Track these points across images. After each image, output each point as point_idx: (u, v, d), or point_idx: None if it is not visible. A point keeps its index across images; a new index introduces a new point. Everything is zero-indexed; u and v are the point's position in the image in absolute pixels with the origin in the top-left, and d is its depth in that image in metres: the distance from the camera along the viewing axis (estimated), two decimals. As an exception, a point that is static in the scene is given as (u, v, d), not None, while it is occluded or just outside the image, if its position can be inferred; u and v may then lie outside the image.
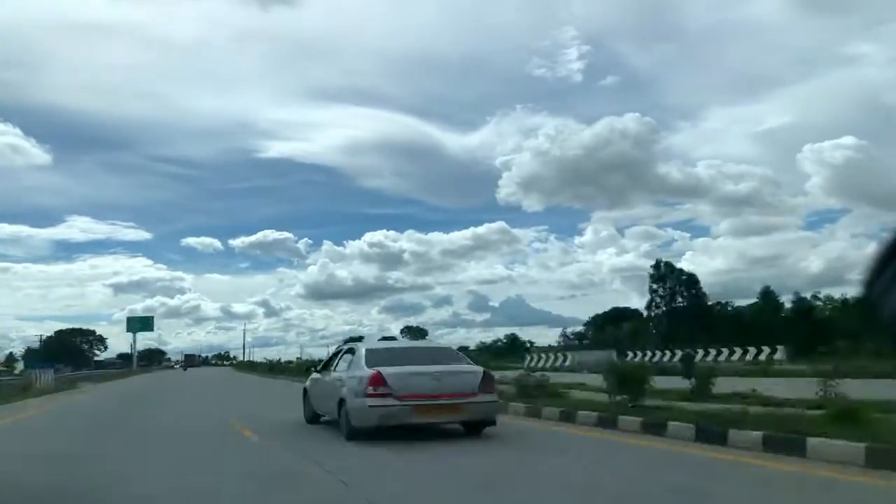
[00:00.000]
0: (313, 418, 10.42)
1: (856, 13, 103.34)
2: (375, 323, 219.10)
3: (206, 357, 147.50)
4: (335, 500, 5.28)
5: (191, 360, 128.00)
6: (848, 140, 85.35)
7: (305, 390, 11.10)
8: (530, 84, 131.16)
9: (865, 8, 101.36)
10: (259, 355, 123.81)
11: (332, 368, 9.85)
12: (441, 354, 9.44)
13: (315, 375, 10.82)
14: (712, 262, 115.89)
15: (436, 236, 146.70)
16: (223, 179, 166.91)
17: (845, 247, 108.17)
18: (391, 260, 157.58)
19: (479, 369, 8.71)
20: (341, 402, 8.47)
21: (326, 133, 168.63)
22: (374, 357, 8.66)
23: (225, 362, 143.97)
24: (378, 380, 7.95)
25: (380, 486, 5.66)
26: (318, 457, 7.15)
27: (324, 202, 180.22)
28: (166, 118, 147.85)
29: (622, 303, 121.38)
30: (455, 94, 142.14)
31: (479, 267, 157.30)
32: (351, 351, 9.58)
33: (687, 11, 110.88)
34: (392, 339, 22.97)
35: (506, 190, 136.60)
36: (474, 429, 8.49)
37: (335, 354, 10.66)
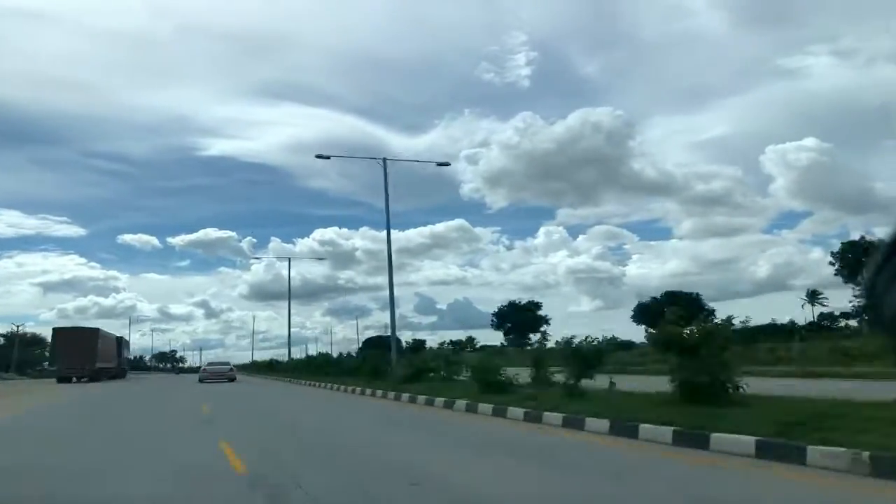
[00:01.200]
0: None
1: (794, 28, 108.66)
2: (319, 325, 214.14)
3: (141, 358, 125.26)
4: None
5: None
6: (800, 144, 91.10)
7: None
8: (479, 88, 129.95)
9: (803, 23, 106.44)
10: (193, 359, 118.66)
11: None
12: (224, 364, 46.07)
13: None
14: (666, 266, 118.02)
15: (392, 234, 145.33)
16: (162, 177, 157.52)
17: (792, 251, 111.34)
18: (343, 259, 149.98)
19: (231, 365, 46.65)
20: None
21: (270, 132, 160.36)
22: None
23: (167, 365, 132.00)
24: (204, 372, 43.24)
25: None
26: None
27: (266, 203, 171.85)
28: (103, 112, 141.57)
29: (573, 307, 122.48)
30: (403, 95, 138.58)
31: (434, 266, 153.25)
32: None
33: (635, 22, 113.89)
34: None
35: (469, 186, 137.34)
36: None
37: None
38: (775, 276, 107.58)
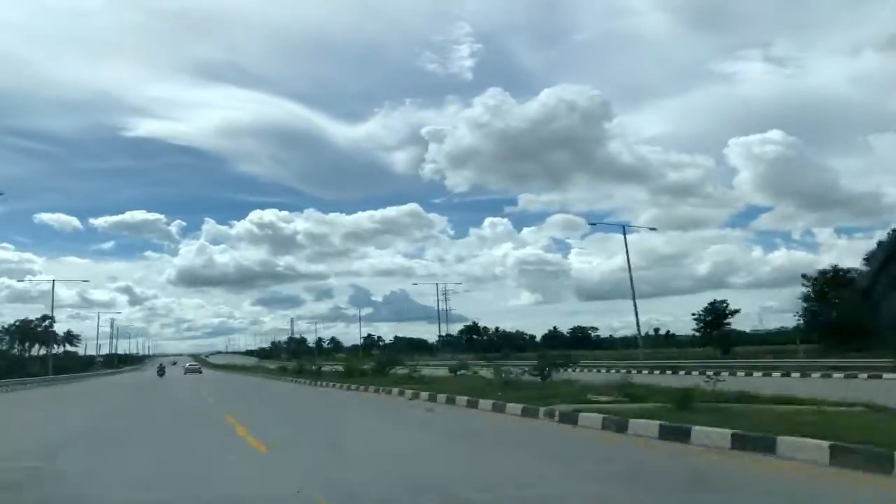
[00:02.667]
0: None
1: (731, 33, 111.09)
2: (248, 316, 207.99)
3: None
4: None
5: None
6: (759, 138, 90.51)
7: None
8: (421, 78, 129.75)
9: (740, 29, 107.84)
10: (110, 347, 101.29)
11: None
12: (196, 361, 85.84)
13: None
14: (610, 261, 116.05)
15: (337, 217, 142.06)
16: (84, 157, 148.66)
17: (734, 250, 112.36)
18: (283, 243, 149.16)
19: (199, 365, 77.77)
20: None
21: (202, 114, 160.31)
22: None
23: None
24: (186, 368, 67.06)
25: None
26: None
27: (195, 187, 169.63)
28: (23, 86, 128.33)
29: (512, 299, 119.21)
30: (344, 81, 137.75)
31: (381, 254, 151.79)
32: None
33: (578, 18, 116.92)
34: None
35: (429, 166, 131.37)
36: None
37: None
38: (715, 273, 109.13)
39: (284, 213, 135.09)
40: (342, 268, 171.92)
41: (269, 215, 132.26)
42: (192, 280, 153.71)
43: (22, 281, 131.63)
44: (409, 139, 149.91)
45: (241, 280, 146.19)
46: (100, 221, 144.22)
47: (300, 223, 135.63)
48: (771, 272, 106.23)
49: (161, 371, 51.65)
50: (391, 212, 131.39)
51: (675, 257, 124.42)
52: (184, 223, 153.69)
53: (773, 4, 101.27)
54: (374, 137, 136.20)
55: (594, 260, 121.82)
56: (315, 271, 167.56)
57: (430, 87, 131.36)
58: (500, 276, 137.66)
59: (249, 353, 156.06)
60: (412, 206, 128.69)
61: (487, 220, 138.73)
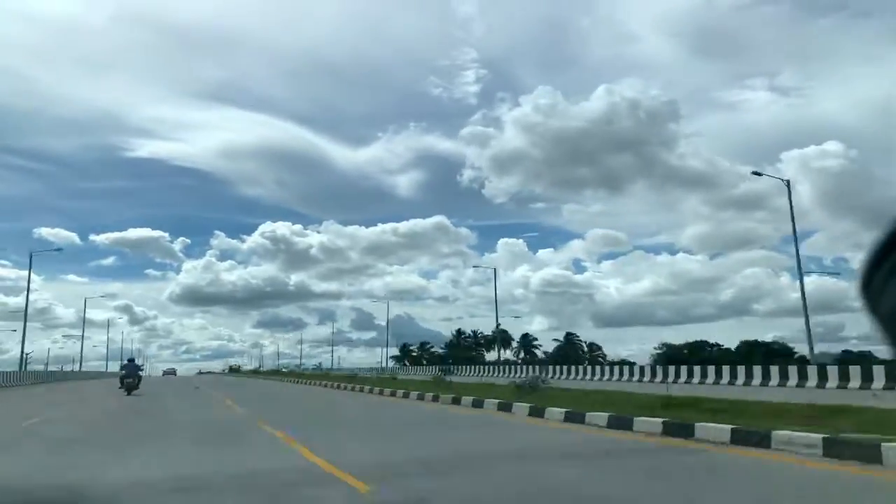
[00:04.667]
0: None
1: (736, 61, 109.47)
2: (249, 338, 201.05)
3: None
4: None
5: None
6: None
7: None
8: (426, 103, 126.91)
9: (745, 57, 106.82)
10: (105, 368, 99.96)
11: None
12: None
13: None
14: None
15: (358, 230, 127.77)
16: (84, 177, 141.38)
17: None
18: (298, 258, 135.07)
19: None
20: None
21: (204, 135, 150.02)
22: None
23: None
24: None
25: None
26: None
27: (195, 209, 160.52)
28: (22, 104, 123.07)
29: (525, 327, 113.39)
30: (348, 104, 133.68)
31: (400, 271, 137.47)
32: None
33: (584, 45, 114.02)
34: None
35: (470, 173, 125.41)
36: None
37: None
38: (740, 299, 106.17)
39: (297, 227, 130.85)
40: (348, 289, 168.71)
41: (283, 228, 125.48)
42: (193, 300, 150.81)
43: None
44: (412, 163, 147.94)
45: (241, 301, 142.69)
46: (100, 238, 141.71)
47: (309, 239, 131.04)
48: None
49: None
50: (415, 224, 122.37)
51: (708, 281, 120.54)
52: (188, 240, 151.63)
53: (778, 34, 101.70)
54: (378, 161, 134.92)
55: (616, 283, 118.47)
56: (321, 291, 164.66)
57: (435, 112, 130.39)
58: (518, 299, 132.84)
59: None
60: (439, 219, 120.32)
61: (502, 241, 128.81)
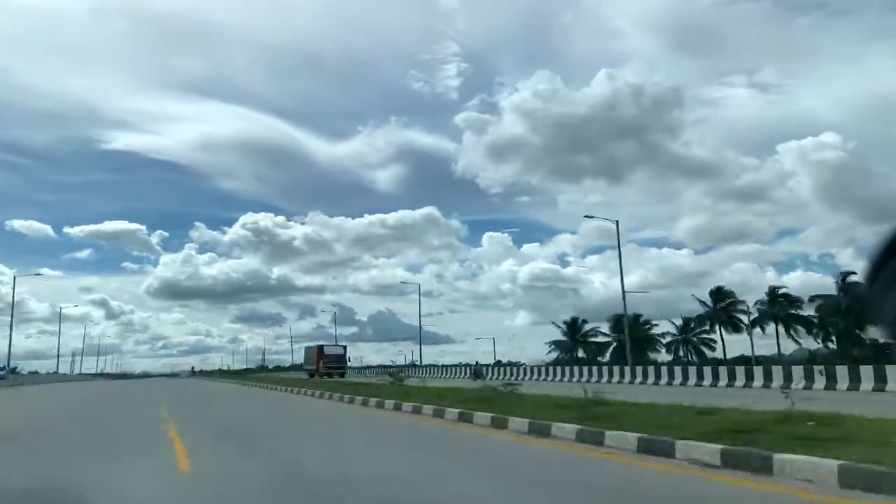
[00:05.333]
0: None
1: (717, 58, 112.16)
2: (227, 333, 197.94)
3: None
4: None
5: None
6: None
7: None
8: (407, 96, 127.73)
9: (726, 54, 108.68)
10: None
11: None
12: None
13: None
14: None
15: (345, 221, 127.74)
16: (58, 169, 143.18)
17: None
18: (281, 251, 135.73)
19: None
20: None
21: (182, 128, 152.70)
22: None
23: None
24: None
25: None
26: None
27: (171, 202, 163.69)
28: None
29: (507, 321, 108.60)
30: (328, 98, 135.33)
31: (387, 264, 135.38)
32: None
33: (566, 40, 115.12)
34: None
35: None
36: None
37: None
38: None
39: (280, 219, 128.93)
40: (332, 283, 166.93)
41: (265, 220, 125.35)
42: (171, 294, 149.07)
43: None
44: (393, 157, 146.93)
45: (221, 294, 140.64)
46: (75, 231, 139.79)
47: (292, 231, 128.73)
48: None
49: None
50: (404, 215, 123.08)
51: (697, 275, 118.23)
52: (166, 234, 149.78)
53: (758, 31, 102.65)
54: (358, 155, 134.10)
55: (604, 277, 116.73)
56: (304, 285, 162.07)
57: (416, 106, 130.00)
58: (504, 294, 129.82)
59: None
60: (429, 210, 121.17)
61: (487, 236, 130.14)
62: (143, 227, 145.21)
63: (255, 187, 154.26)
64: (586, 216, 45.82)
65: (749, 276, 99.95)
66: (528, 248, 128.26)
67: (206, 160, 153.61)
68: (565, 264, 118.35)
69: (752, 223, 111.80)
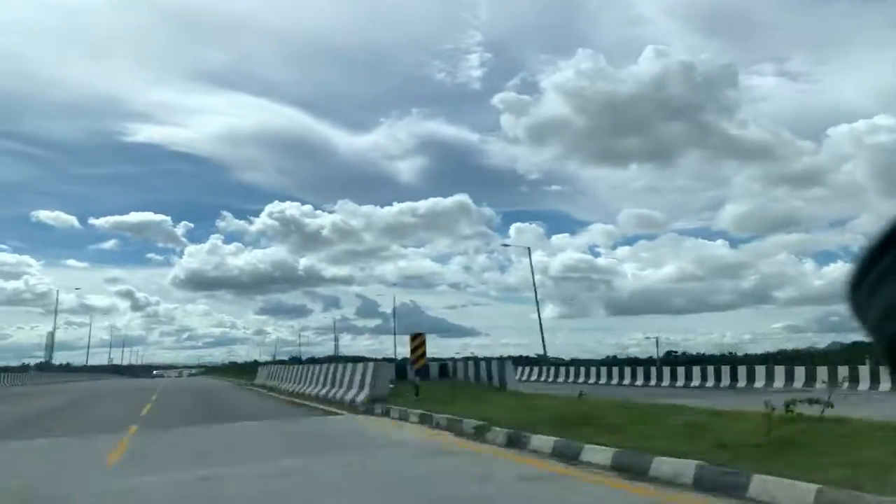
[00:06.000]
0: None
1: (746, 45, 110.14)
2: (252, 325, 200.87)
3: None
4: None
5: None
6: None
7: None
8: (429, 87, 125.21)
9: (755, 41, 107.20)
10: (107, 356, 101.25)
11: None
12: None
13: None
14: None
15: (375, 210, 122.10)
16: (82, 162, 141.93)
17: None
18: (308, 241, 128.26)
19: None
20: None
21: (204, 120, 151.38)
22: None
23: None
24: None
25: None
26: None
27: (195, 194, 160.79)
28: (20, 87, 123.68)
29: (532, 315, 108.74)
30: (350, 89, 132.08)
31: (415, 255, 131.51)
32: None
33: (591, 28, 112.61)
34: None
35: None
36: None
37: None
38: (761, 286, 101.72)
39: (307, 208, 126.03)
40: (360, 273, 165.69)
41: (292, 209, 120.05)
42: (196, 285, 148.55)
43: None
44: (414, 149, 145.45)
45: (246, 285, 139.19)
46: (100, 222, 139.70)
47: (320, 220, 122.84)
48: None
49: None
50: (435, 203, 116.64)
51: (736, 267, 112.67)
52: (191, 224, 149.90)
53: (789, 18, 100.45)
54: (379, 148, 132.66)
55: (641, 268, 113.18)
56: (331, 276, 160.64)
57: (438, 97, 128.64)
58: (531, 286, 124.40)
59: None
60: (460, 198, 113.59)
61: (515, 227, 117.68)
62: (168, 219, 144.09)
63: (278, 179, 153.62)
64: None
65: (787, 267, 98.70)
66: (559, 238, 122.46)
67: (229, 152, 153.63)
68: (597, 254, 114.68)
69: (802, 210, 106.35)
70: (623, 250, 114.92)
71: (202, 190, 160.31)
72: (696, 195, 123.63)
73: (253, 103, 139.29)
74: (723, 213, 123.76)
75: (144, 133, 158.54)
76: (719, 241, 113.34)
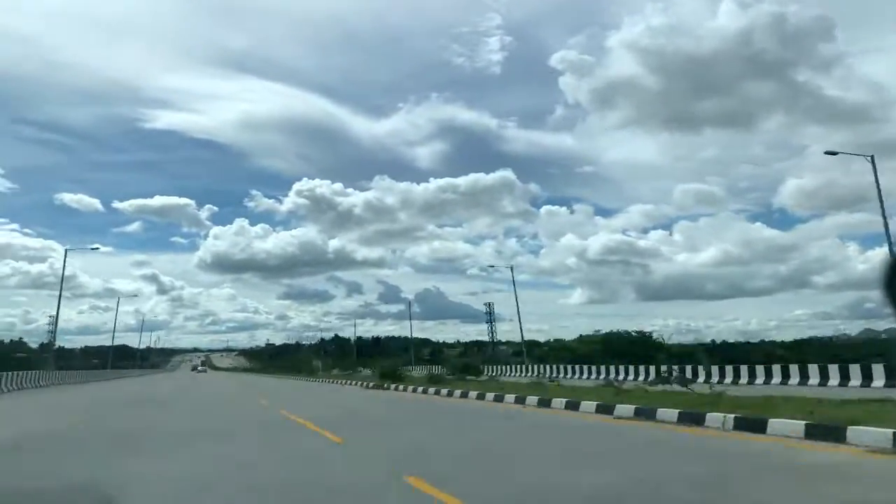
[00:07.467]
0: None
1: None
2: (275, 310, 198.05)
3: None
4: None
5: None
6: None
7: None
8: (448, 71, 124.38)
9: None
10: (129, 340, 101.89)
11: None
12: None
13: None
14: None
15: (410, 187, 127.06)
16: (102, 149, 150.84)
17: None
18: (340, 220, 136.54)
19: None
20: None
21: (223, 106, 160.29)
22: None
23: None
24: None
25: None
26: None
27: (214, 181, 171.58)
28: (37, 72, 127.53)
29: (560, 300, 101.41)
30: (369, 73, 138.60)
31: (449, 235, 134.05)
32: None
33: (615, 8, 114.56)
34: None
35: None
36: None
37: None
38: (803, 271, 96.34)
39: (337, 186, 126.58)
40: (391, 256, 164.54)
41: (322, 187, 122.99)
42: (221, 268, 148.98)
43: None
44: (434, 133, 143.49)
45: (271, 268, 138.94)
46: (124, 205, 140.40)
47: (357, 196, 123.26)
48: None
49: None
50: (476, 179, 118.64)
51: (783, 249, 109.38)
52: (215, 208, 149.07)
53: None
54: (398, 133, 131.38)
55: (681, 250, 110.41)
56: (370, 257, 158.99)
57: (457, 81, 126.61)
58: (570, 269, 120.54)
59: (251, 352, 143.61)
60: (504, 174, 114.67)
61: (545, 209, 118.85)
62: (192, 202, 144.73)
63: (298, 165, 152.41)
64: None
65: (830, 252, 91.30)
66: (595, 221, 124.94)
67: (249, 138, 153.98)
68: (640, 235, 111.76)
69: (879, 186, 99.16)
70: (657, 234, 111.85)
71: (224, 177, 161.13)
72: (766, 167, 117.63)
73: (270, 88, 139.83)
74: (785, 187, 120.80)
75: (164, 119, 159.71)
76: (772, 219, 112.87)
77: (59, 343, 70.43)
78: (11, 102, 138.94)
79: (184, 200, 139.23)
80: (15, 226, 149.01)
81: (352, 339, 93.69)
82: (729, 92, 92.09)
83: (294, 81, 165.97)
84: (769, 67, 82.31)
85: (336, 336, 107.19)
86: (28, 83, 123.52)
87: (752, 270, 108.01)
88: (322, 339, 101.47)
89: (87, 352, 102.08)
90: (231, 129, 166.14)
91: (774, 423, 8.19)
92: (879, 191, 24.03)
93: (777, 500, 4.65)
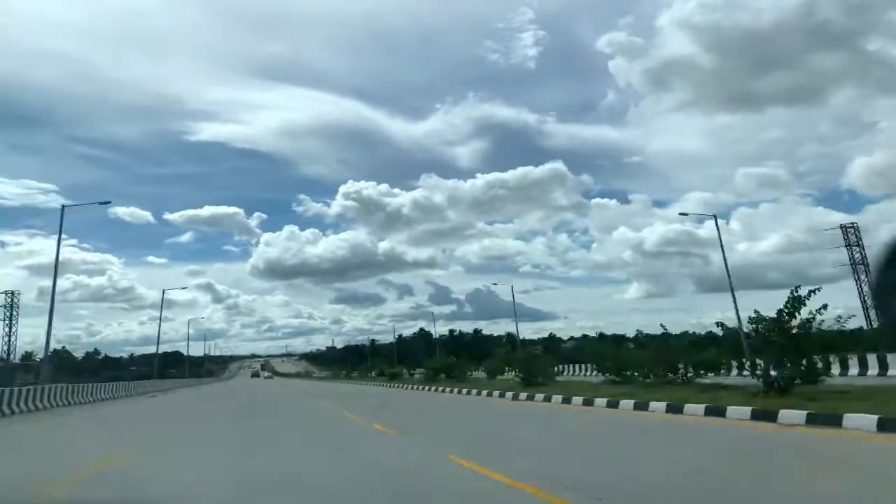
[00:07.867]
0: None
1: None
2: (329, 314, 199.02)
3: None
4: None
5: None
6: None
7: None
8: (483, 69, 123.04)
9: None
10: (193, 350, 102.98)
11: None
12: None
13: None
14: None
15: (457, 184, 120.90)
16: (149, 164, 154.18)
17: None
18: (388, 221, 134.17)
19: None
20: None
21: (264, 115, 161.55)
22: None
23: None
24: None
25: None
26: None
27: (261, 191, 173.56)
28: (83, 90, 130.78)
29: (616, 295, 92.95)
30: (404, 75, 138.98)
31: (500, 232, 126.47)
32: None
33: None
34: None
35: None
36: None
37: None
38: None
39: (383, 187, 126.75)
40: (441, 256, 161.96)
41: (369, 189, 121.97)
42: (273, 274, 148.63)
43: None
44: (474, 132, 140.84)
45: (324, 272, 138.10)
46: (174, 217, 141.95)
47: (405, 195, 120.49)
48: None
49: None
50: (525, 173, 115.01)
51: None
52: (264, 216, 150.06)
53: None
54: (436, 134, 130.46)
55: (744, 239, 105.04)
56: (420, 258, 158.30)
57: (492, 79, 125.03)
58: (627, 263, 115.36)
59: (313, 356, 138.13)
60: (554, 166, 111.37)
61: (594, 202, 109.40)
62: (241, 211, 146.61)
63: (340, 171, 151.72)
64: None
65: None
66: (653, 211, 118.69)
67: (290, 146, 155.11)
68: (697, 225, 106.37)
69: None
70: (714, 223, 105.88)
71: (269, 184, 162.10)
72: (833, 146, 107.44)
73: (309, 95, 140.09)
74: (853, 167, 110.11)
75: (208, 131, 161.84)
76: (839, 202, 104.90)
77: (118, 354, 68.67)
78: (64, 122, 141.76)
79: (233, 209, 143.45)
80: (74, 241, 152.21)
81: (434, 335, 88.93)
82: (792, 67, 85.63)
83: (330, 88, 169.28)
84: (835, 38, 75.31)
85: (421, 330, 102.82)
86: (78, 103, 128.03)
87: (815, 258, 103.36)
88: (400, 336, 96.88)
89: (135, 360, 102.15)
90: (272, 137, 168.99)
91: None
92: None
93: None
